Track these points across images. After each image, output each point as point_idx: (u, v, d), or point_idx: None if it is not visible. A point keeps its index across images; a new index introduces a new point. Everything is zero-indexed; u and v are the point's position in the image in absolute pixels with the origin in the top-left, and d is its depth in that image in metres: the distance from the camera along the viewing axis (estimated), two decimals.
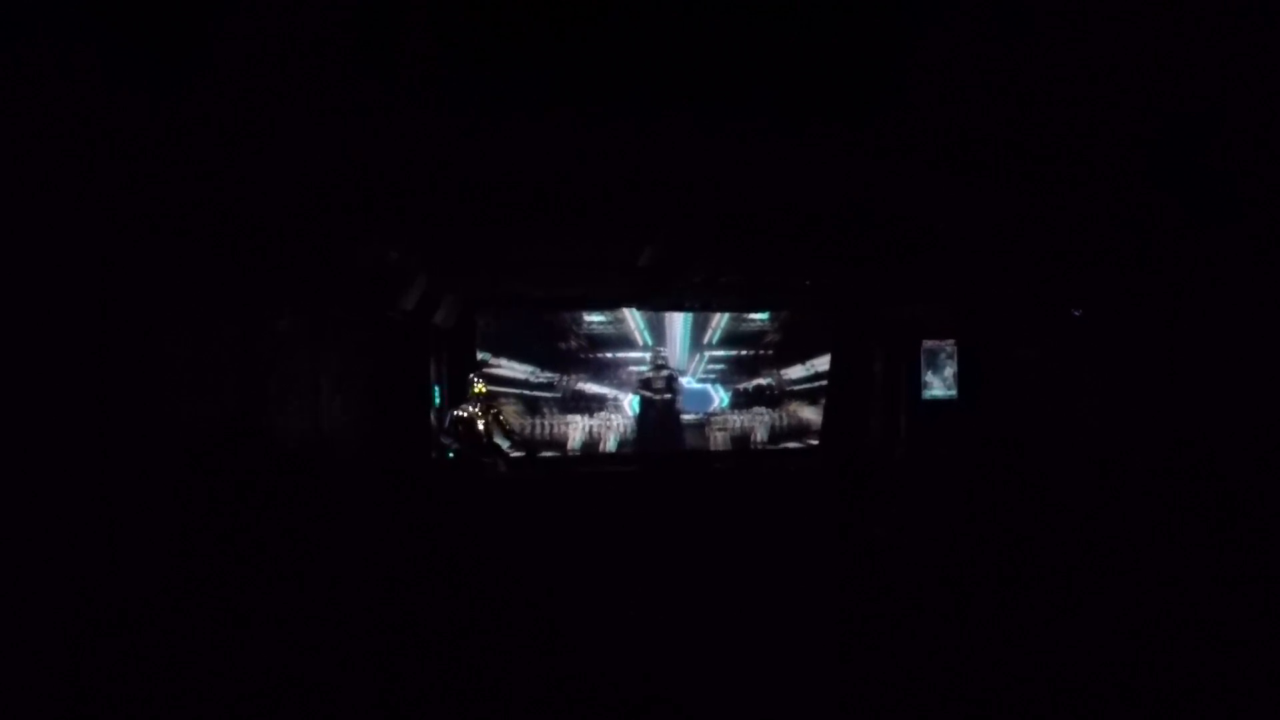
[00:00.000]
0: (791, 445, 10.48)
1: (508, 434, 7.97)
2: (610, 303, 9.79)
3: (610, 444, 10.21)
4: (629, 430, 10.25)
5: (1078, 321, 5.42)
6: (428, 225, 5.98)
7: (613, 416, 10.24)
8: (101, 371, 3.25)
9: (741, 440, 10.43)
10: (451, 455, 7.97)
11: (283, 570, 4.37)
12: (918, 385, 9.33)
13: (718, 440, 10.43)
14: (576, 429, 10.10)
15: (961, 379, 9.10)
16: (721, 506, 6.70)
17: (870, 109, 3.83)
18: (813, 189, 5.29)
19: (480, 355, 9.52)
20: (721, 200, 5.45)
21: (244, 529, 4.17)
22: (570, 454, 10.01)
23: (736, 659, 4.03)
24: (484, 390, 8.41)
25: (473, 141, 4.35)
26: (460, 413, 8.10)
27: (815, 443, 10.46)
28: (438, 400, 8.76)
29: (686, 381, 10.34)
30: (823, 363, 10.39)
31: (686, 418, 10.37)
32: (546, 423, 9.93)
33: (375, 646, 3.97)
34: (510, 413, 9.34)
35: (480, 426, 7.86)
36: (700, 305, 9.57)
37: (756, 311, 10.24)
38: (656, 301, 9.25)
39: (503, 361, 9.67)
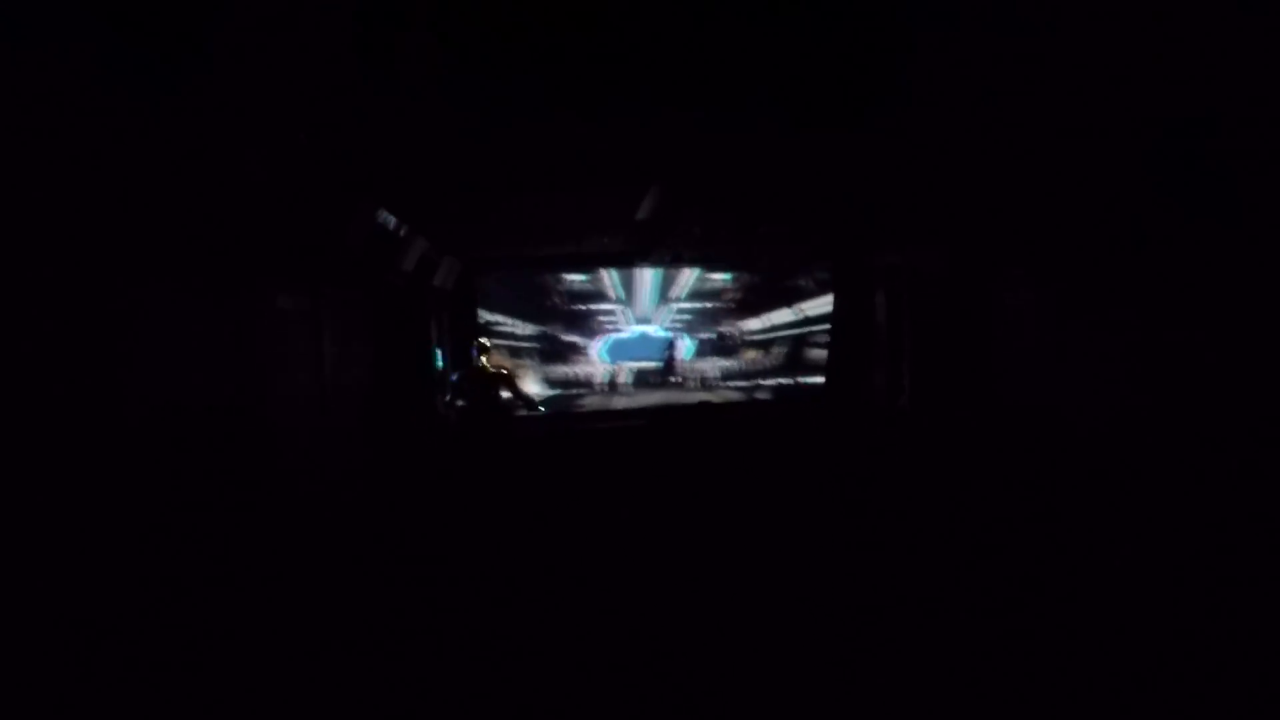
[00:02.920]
0: (798, 394, 11.27)
1: (516, 393, 8.18)
2: (609, 259, 10.07)
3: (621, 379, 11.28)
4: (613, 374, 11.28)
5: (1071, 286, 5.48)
6: (425, 200, 6.12)
7: (591, 365, 11.16)
8: (98, 357, 3.17)
9: (712, 381, 11.47)
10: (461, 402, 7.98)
11: (289, 543, 4.44)
12: (920, 334, 8.76)
13: (692, 384, 11.47)
14: (569, 373, 11.02)
15: (960, 328, 8.03)
16: (727, 457, 6.87)
17: (866, 106, 4.04)
18: (809, 182, 5.63)
19: (485, 316, 9.89)
20: (719, 165, 5.57)
21: (247, 506, 4.14)
22: (575, 405, 10.82)
23: (742, 623, 4.04)
24: (490, 349, 8.64)
25: (474, 131, 4.42)
26: (468, 372, 8.06)
27: (815, 392, 11.05)
28: (440, 363, 8.77)
29: (651, 330, 11.27)
30: (779, 316, 11.35)
31: (645, 364, 11.40)
32: (542, 369, 10.78)
33: (383, 621, 4.00)
34: (516, 370, 9.76)
35: (488, 385, 7.82)
36: (699, 260, 10.03)
37: (752, 268, 10.81)
38: (654, 257, 9.51)
39: (502, 318, 10.34)
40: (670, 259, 9.76)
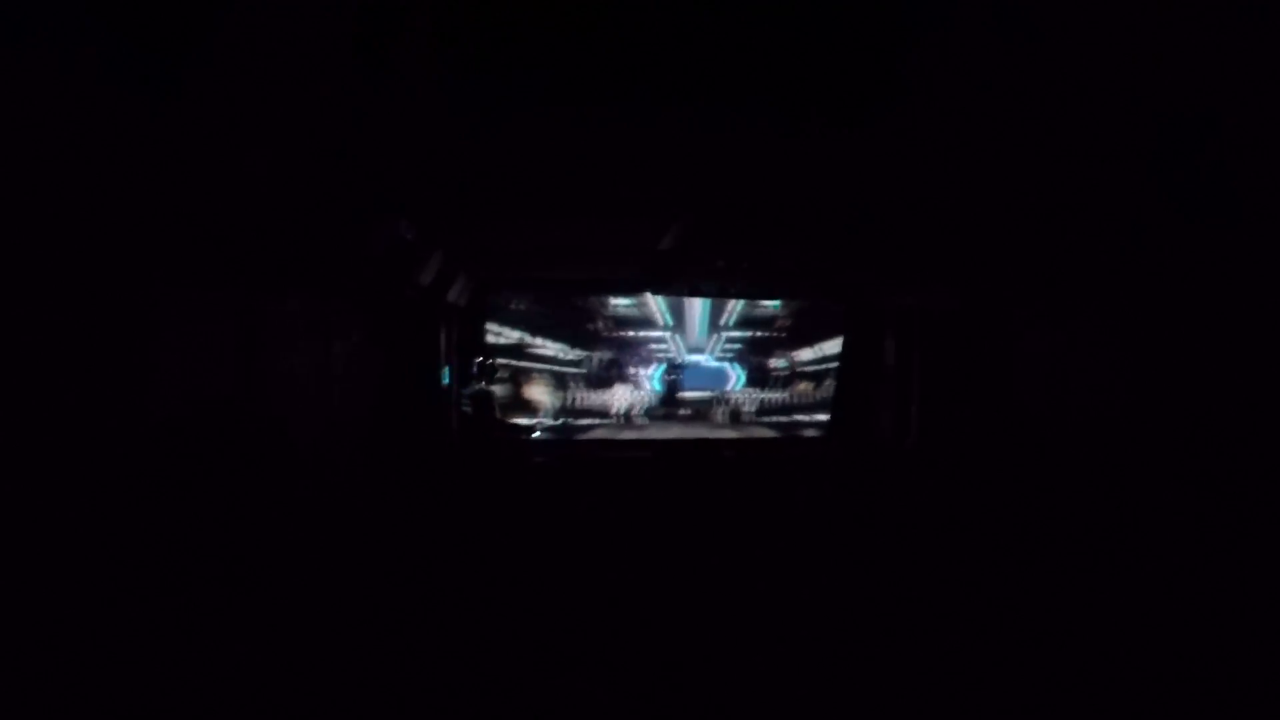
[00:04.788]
0: (804, 433, 11.08)
1: (490, 412, 8.11)
2: (624, 286, 10.19)
3: (637, 410, 10.98)
4: (650, 401, 11.03)
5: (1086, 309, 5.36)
6: (441, 215, 6.23)
7: (634, 391, 10.94)
8: (105, 362, 3.20)
9: (743, 415, 11.17)
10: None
11: (294, 555, 4.39)
12: (929, 373, 9.05)
13: (721, 417, 11.16)
14: (602, 401, 10.83)
15: (971, 366, 8.12)
16: (731, 493, 6.98)
17: (871, 107, 3.94)
18: (815, 183, 5.36)
19: (523, 337, 10.06)
20: (729, 193, 5.64)
21: (250, 516, 4.07)
22: (586, 433, 10.70)
23: (744, 648, 4.15)
24: (491, 368, 8.78)
25: (480, 137, 4.47)
26: (474, 390, 8.31)
27: (823, 430, 10.98)
28: (446, 379, 8.89)
29: (705, 359, 11.01)
30: (831, 346, 10.96)
31: (701, 394, 11.10)
32: (573, 395, 10.65)
33: (383, 636, 4.12)
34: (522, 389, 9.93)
35: (483, 405, 8.11)
36: (716, 291, 10.07)
37: (769, 299, 10.75)
38: (671, 287, 9.66)
39: (539, 340, 10.37)
40: (689, 290, 9.75)
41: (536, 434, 9.66)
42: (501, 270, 8.96)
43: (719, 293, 10.20)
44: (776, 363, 11.08)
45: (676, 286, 9.52)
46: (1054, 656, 3.85)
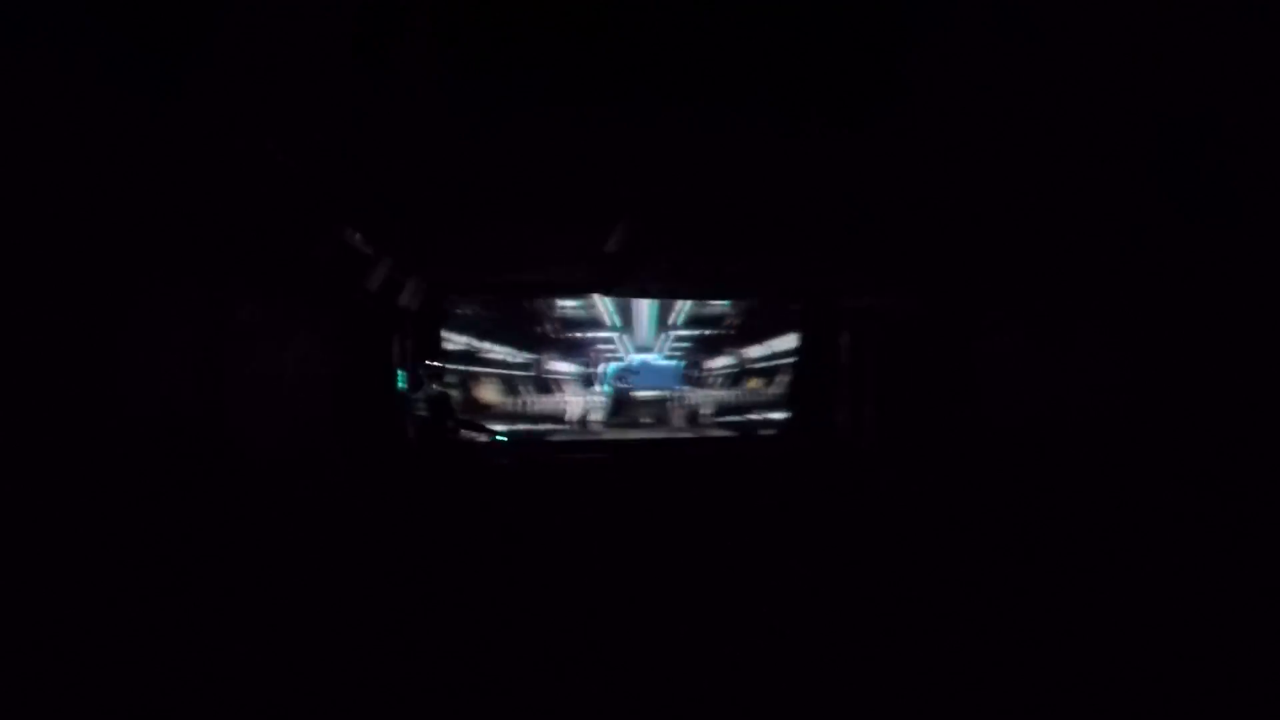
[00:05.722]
0: (761, 431, 10.98)
1: (450, 415, 8.02)
2: (575, 289, 10.03)
3: (592, 415, 10.74)
4: (605, 404, 10.81)
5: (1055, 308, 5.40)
6: (394, 215, 6.01)
7: (586, 394, 10.71)
8: (63, 368, 3.09)
9: (699, 416, 11.00)
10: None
11: (254, 565, 4.34)
12: (885, 372, 9.11)
13: (677, 418, 10.97)
14: (552, 405, 10.56)
15: (930, 366, 8.21)
16: (688, 493, 7.00)
17: (870, 109, 3.94)
18: (795, 186, 5.35)
19: (472, 343, 9.78)
20: (693, 195, 5.61)
21: (211, 526, 4.03)
22: (543, 435, 10.47)
23: (707, 645, 4.12)
24: (440, 372, 8.59)
25: (473, 139, 4.38)
26: (430, 393, 8.14)
27: (779, 429, 10.94)
28: (401, 384, 8.70)
29: (653, 359, 10.87)
30: (781, 343, 10.94)
31: (651, 394, 10.92)
32: (523, 400, 10.34)
33: (347, 637, 4.02)
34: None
35: (437, 409, 7.99)
36: (666, 293, 9.97)
37: (721, 299, 10.66)
38: (621, 289, 9.56)
39: (487, 345, 10.05)
40: (637, 291, 9.67)
41: (497, 436, 9.40)
42: (453, 272, 8.76)
43: (669, 294, 10.16)
44: (725, 360, 11.02)
45: (624, 289, 9.48)
46: (1009, 640, 3.95)
